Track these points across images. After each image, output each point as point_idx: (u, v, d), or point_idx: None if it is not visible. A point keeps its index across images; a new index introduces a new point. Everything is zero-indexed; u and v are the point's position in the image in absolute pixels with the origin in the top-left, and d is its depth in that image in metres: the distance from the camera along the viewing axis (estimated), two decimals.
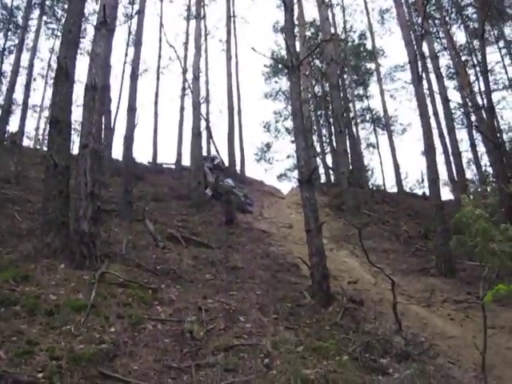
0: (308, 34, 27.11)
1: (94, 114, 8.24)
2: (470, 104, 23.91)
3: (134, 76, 13.57)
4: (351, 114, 30.16)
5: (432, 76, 20.79)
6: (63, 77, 8.70)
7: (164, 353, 5.54)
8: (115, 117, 21.14)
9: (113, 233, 10.62)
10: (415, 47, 14.36)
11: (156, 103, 23.57)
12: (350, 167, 25.88)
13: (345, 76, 27.96)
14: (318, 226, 8.33)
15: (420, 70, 13.95)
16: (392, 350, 6.18)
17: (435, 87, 19.99)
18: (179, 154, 22.62)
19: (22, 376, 4.51)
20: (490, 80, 22.79)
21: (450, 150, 18.62)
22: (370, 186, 27.10)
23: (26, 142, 21.64)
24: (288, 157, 33.84)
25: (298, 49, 28.77)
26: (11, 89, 20.27)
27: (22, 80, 22.02)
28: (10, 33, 23.06)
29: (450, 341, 7.43)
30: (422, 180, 27.17)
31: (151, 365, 5.21)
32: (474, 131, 22.24)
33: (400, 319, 7.11)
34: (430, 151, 12.68)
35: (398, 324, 6.91)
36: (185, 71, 22.52)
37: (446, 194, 35.42)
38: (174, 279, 8.22)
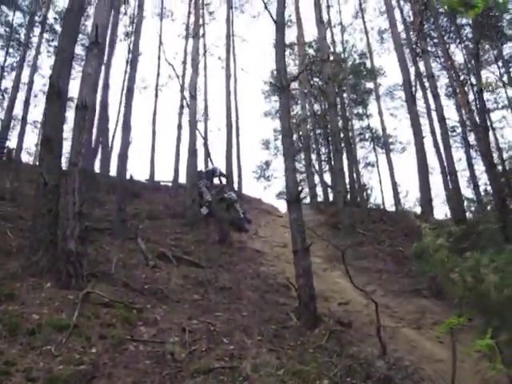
0: (311, 51, 27.36)
1: (84, 134, 8.29)
2: (468, 123, 24.08)
3: (130, 95, 13.62)
4: (350, 133, 30.32)
5: (430, 94, 20.87)
6: (55, 96, 8.76)
7: (143, 375, 5.51)
8: (113, 135, 21.30)
9: (104, 251, 10.63)
10: (409, 67, 14.46)
11: (154, 121, 23.69)
12: (348, 186, 25.98)
13: (344, 95, 28.09)
14: (305, 247, 8.31)
15: (414, 89, 14.03)
16: (375, 375, 6.13)
17: (433, 106, 20.12)
18: (176, 172, 22.68)
19: None
20: (488, 99, 23.02)
21: (446, 169, 18.64)
22: (369, 205, 27.07)
23: (25, 158, 21.74)
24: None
25: (296, 67, 29.23)
26: (11, 105, 20.47)
27: (22, 96, 22.14)
28: (11, 49, 23.35)
29: (437, 365, 7.36)
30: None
31: None
32: (470, 150, 22.34)
33: (385, 342, 7.07)
34: (423, 170, 12.72)
35: (382, 347, 6.86)
36: (183, 89, 22.65)
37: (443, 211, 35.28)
38: (160, 299, 8.19)
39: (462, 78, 25.00)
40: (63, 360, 5.42)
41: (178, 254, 11.44)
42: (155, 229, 14.01)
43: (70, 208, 7.89)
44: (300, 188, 8.86)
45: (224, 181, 19.82)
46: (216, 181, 19.35)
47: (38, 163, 9.07)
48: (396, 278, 12.95)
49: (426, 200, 12.59)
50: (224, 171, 20.82)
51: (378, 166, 30.08)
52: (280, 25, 9.50)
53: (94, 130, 21.44)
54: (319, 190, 28.24)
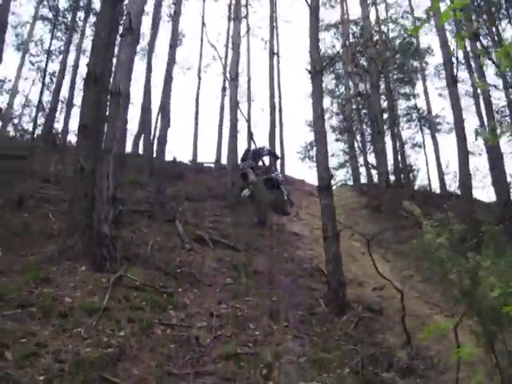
0: (355, 29, 26.95)
1: (118, 120, 8.46)
2: None
3: (169, 78, 13.76)
4: (396, 113, 29.79)
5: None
6: (92, 82, 8.96)
7: (167, 358, 5.66)
8: (156, 118, 21.48)
9: (142, 233, 10.85)
10: (451, 48, 14.08)
11: (197, 102, 23.83)
12: (393, 167, 25.61)
13: (390, 74, 27.60)
14: (335, 233, 8.31)
15: (456, 70, 13.66)
16: (397, 364, 6.13)
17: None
18: (219, 153, 22.83)
19: (22, 379, 4.71)
20: None
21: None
22: (414, 187, 26.64)
23: (72, 141, 22.18)
24: (332, 155, 33.76)
25: (338, 47, 28.85)
26: (58, 88, 20.93)
27: (68, 80, 22.52)
28: (58, 33, 23.79)
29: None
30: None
31: (152, 370, 5.33)
32: None
33: (410, 332, 7.02)
34: (462, 153, 12.46)
35: (406, 337, 6.82)
36: (225, 71, 22.65)
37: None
38: (192, 283, 8.34)
39: None
40: (91, 343, 5.60)
41: (214, 237, 11.54)
42: (195, 211, 14.13)
43: (104, 193, 8.09)
44: (331, 174, 8.78)
45: (275, 160, 19.19)
46: (265, 160, 18.88)
47: None
48: None
49: (464, 183, 12.34)
50: (275, 151, 20.17)
51: (424, 147, 29.48)
52: (314, 8, 9.40)
53: (139, 113, 21.86)
54: (363, 171, 27.91)
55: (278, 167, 22.50)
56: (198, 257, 9.95)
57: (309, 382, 5.23)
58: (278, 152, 20.88)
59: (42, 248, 8.48)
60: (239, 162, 16.62)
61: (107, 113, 8.77)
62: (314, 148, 8.83)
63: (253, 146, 18.66)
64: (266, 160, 19.31)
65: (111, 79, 9.08)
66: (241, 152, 17.00)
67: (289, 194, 16.86)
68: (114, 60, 9.27)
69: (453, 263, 3.97)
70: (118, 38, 9.60)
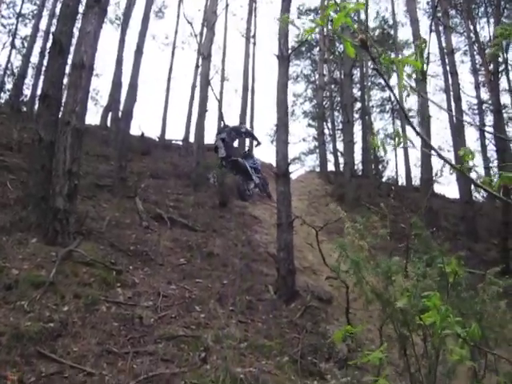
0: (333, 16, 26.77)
1: (79, 93, 8.33)
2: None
3: (139, 53, 13.60)
4: (371, 103, 30.01)
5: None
6: (56, 52, 8.81)
7: (109, 337, 5.66)
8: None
9: (100, 208, 10.77)
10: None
11: (169, 78, 23.60)
12: (361, 158, 25.84)
13: (368, 64, 27.70)
14: (289, 222, 8.37)
15: (426, 66, 13.74)
16: (337, 355, 6.24)
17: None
18: (187, 132, 22.68)
19: None
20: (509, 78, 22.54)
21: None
22: (382, 179, 26.93)
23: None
24: (303, 140, 33.90)
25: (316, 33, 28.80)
26: (28, 54, 20.51)
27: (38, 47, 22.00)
28: None
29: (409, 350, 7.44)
30: (436, 175, 26.82)
31: (92, 348, 5.33)
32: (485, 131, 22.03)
33: (354, 324, 7.11)
34: (425, 152, 12.60)
35: None
36: (200, 49, 22.46)
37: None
38: (144, 261, 8.32)
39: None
40: (33, 316, 5.56)
41: (173, 216, 11.50)
42: (157, 188, 14.08)
43: (60, 166, 8.00)
44: (289, 161, 8.81)
45: (255, 143, 18.98)
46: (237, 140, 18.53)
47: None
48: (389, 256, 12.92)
49: (425, 179, 12.53)
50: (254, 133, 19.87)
51: (395, 139, 29.65)
52: None
53: (109, 87, 21.55)
54: (332, 159, 28.05)
55: (246, 149, 22.41)
56: (154, 235, 9.91)
57: (246, 368, 5.28)
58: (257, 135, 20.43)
59: None
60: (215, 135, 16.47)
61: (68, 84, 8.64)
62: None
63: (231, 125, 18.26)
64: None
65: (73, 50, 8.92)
66: (209, 131, 16.96)
67: (264, 183, 16.68)
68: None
69: (368, 266, 4.06)
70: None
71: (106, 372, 4.91)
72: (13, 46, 22.60)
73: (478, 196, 24.16)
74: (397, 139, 2.47)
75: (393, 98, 29.26)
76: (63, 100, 8.72)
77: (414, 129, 2.44)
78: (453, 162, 2.49)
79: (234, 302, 7.38)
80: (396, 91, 3.36)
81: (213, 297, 7.39)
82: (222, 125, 19.27)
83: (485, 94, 23.67)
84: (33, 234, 7.77)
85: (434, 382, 3.23)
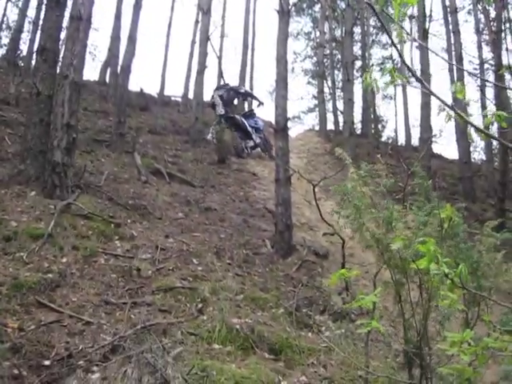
0: None
1: (77, 45, 8.25)
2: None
3: (138, 5, 13.37)
4: (372, 62, 29.65)
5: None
6: (54, 4, 8.67)
7: (107, 288, 5.75)
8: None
9: (99, 163, 10.77)
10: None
11: (168, 34, 23.23)
12: (361, 117, 25.69)
13: (370, 21, 27.36)
14: (286, 177, 8.40)
15: (428, 24, 13.62)
16: (332, 308, 6.34)
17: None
18: (186, 88, 22.49)
19: None
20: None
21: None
22: (381, 138, 26.87)
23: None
24: (303, 98, 33.73)
25: None
26: (24, 7, 20.11)
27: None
28: None
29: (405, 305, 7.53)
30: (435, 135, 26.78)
31: (90, 298, 5.42)
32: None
33: (349, 279, 7.20)
34: (425, 109, 12.57)
35: (345, 283, 6.99)
36: (199, 3, 22.06)
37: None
38: (143, 215, 8.36)
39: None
40: (32, 267, 5.63)
41: (172, 172, 11.53)
42: (156, 144, 14.04)
43: (58, 119, 7.97)
44: (287, 117, 8.79)
45: (256, 104, 18.75)
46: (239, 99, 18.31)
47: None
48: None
49: (424, 138, 12.51)
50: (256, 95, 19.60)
51: (395, 99, 29.53)
52: None
53: (108, 41, 21.24)
54: (331, 118, 27.88)
55: (247, 105, 22.28)
56: (152, 189, 9.94)
57: (241, 319, 5.37)
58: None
59: None
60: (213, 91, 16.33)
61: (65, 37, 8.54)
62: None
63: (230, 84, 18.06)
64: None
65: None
66: (208, 88, 16.78)
67: (266, 144, 16.53)
68: None
69: (370, 212, 4.09)
70: None
71: (104, 321, 5.00)
72: None
73: (477, 157, 24.22)
74: (391, 78, 2.45)
75: (394, 56, 29.05)
76: (61, 54, 8.64)
77: (411, 70, 2.41)
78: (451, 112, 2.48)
79: (231, 255, 7.47)
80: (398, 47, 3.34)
81: (210, 250, 7.47)
82: (222, 82, 19.05)
83: (487, 54, 23.31)
84: (31, 187, 7.78)
85: (426, 327, 3.29)
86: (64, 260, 6.05)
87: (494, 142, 18.50)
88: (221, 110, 15.38)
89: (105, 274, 6.01)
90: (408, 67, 2.56)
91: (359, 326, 2.43)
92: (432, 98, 13.38)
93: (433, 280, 2.59)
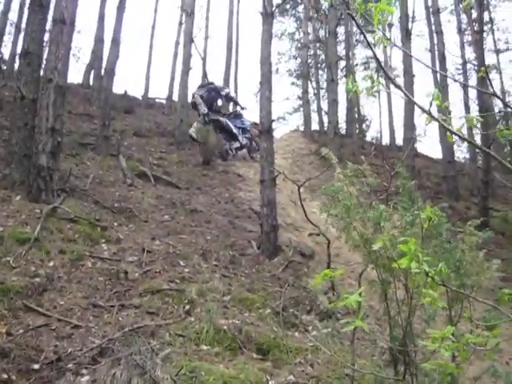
0: None
1: (61, 49, 8.25)
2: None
3: (121, 7, 13.36)
4: (355, 62, 29.80)
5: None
6: (37, 6, 8.67)
7: (95, 291, 5.77)
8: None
9: (84, 166, 10.77)
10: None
11: (152, 35, 23.12)
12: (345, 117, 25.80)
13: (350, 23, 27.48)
14: (271, 178, 8.46)
15: (411, 25, 13.77)
16: (318, 308, 6.41)
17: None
18: (171, 90, 22.47)
19: None
20: (499, 38, 22.57)
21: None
22: (365, 138, 27.03)
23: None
24: (287, 99, 33.80)
25: None
26: (6, 10, 19.98)
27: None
28: None
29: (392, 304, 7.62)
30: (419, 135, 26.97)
31: (78, 301, 5.44)
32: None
33: (335, 278, 7.27)
34: (408, 109, 12.69)
35: (331, 283, 7.06)
36: (183, 5, 22.07)
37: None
38: (129, 218, 8.38)
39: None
40: (19, 272, 5.65)
41: (157, 174, 11.56)
42: (141, 146, 14.06)
43: (43, 123, 7.98)
44: (272, 118, 8.86)
45: (238, 108, 18.66)
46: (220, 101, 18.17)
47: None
48: None
49: (407, 138, 12.64)
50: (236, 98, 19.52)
51: (379, 99, 29.67)
52: None
53: (92, 44, 21.17)
54: (316, 118, 27.96)
55: (230, 109, 22.24)
56: (138, 192, 9.95)
57: (229, 320, 5.43)
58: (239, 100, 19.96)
59: None
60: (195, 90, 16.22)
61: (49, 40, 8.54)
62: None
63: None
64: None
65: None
66: (193, 89, 16.57)
67: (252, 144, 16.47)
68: None
69: (357, 212, 4.15)
70: None
71: (92, 324, 5.04)
72: None
73: (461, 156, 24.45)
74: (372, 84, 2.52)
75: (378, 55, 29.14)
76: (44, 57, 8.64)
77: (389, 77, 2.49)
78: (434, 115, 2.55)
79: (217, 257, 7.51)
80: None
81: (197, 252, 7.50)
82: (206, 81, 18.90)
83: (470, 54, 23.61)
84: (17, 191, 7.80)
85: (411, 325, 3.36)
86: (51, 264, 6.06)
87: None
88: (204, 109, 15.26)
89: (92, 277, 6.04)
90: (386, 73, 2.63)
91: (345, 324, 2.47)
92: (416, 95, 13.55)
93: (414, 279, 2.65)
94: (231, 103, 19.71)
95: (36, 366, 4.09)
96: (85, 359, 4.29)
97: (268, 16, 9.04)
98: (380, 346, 5.49)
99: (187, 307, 5.61)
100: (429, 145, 52.13)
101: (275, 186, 8.67)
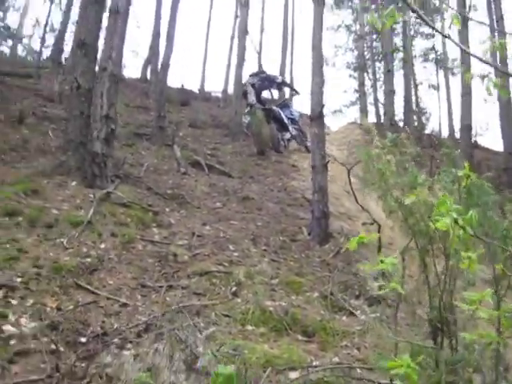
0: None
1: (115, 38, 8.43)
2: None
3: (175, 4, 13.52)
4: (414, 53, 29.16)
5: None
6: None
7: (144, 272, 5.85)
8: None
9: (139, 156, 10.98)
10: None
11: (208, 29, 23.40)
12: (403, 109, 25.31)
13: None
14: (322, 164, 8.37)
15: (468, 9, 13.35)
16: (368, 293, 6.29)
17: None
18: (226, 83, 22.64)
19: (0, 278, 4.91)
20: None
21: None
22: (427, 131, 26.46)
23: None
24: (345, 92, 33.41)
25: None
26: (68, 8, 20.53)
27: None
28: None
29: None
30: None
31: (127, 281, 5.53)
32: None
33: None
34: (465, 95, 12.32)
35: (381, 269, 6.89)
36: None
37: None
38: (181, 204, 8.48)
39: None
40: (72, 252, 5.77)
41: (211, 163, 11.66)
42: (196, 137, 14.22)
43: (97, 111, 8.16)
44: (323, 103, 8.75)
45: (293, 94, 18.51)
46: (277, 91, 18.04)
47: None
48: None
49: (464, 126, 12.26)
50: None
51: (438, 90, 29.00)
52: None
53: (150, 38, 21.53)
54: (373, 110, 27.55)
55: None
56: (191, 180, 10.06)
57: (275, 302, 5.39)
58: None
59: (37, 162, 8.62)
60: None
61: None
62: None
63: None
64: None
65: None
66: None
67: (301, 136, 16.10)
68: None
69: (395, 179, 4.03)
70: None
71: (139, 303, 5.10)
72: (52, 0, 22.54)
73: None
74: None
75: (437, 47, 28.52)
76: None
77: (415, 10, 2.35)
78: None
79: (267, 242, 7.50)
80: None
81: (247, 237, 7.51)
82: (257, 70, 18.70)
83: None
84: (72, 177, 8.00)
85: (450, 294, 3.25)
86: (102, 246, 6.18)
87: None
88: (252, 100, 15.22)
89: (142, 259, 6.12)
90: (411, 7, 2.52)
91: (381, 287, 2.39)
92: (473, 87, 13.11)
93: (452, 242, 2.54)
94: (283, 91, 19.36)
95: (83, 339, 4.16)
96: (130, 334, 4.35)
97: (319, 3, 8.97)
98: (419, 316, 5.33)
99: (234, 289, 5.59)
100: (491, 140, 50.30)
101: (327, 171, 8.57)
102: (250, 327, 4.92)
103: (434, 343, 3.24)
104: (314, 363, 4.41)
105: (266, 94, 17.68)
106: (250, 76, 15.99)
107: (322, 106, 8.69)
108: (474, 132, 22.35)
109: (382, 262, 2.34)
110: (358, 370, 4.25)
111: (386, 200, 4.08)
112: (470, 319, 3.03)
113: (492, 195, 3.76)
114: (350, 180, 8.36)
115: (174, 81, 27.75)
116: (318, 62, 8.76)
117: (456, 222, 1.95)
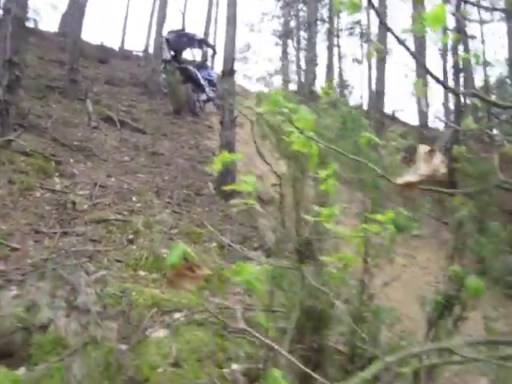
0: None
1: None
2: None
3: None
4: (340, 25, 29.48)
5: None
6: None
7: (39, 219, 5.73)
8: None
9: (49, 108, 10.64)
10: None
11: None
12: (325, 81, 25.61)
13: None
14: (231, 119, 8.40)
15: None
16: (266, 245, 6.43)
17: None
18: (147, 42, 22.23)
19: None
20: None
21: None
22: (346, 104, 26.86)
23: None
24: (269, 60, 33.48)
25: None
26: None
27: None
28: None
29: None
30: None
31: (20, 227, 5.39)
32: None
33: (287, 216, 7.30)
34: (381, 64, 12.63)
35: (281, 220, 7.05)
36: None
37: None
38: (87, 156, 8.31)
39: None
40: None
41: (124, 120, 11.47)
42: (112, 94, 13.91)
43: (0, 55, 7.81)
44: (234, 59, 8.74)
45: (210, 52, 18.17)
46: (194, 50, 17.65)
47: None
48: None
49: (377, 91, 12.60)
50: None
51: (361, 64, 29.45)
52: None
53: None
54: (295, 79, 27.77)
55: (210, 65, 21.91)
56: (101, 135, 9.88)
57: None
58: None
59: None
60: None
61: None
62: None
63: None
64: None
65: None
66: None
67: (216, 97, 15.74)
68: None
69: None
70: None
71: (31, 248, 5.00)
72: None
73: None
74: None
75: (363, 21, 28.81)
76: None
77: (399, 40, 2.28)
78: None
79: (171, 195, 7.49)
80: None
81: (151, 190, 7.47)
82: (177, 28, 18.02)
83: None
84: None
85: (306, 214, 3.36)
86: None
87: None
88: (166, 56, 14.80)
89: (38, 206, 6.00)
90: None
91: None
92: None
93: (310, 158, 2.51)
94: (202, 49, 18.90)
95: None
96: (16, 277, 4.28)
97: None
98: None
99: (131, 236, 5.58)
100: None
101: (235, 127, 8.61)
102: (142, 272, 4.93)
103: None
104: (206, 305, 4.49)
105: (188, 54, 17.35)
106: (168, 33, 15.53)
107: (233, 60, 8.67)
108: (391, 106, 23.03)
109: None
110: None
111: (258, 124, 4.05)
112: (336, 246, 3.20)
113: (367, 130, 3.85)
114: (253, 134, 8.39)
115: (93, 38, 26.84)
116: (232, 17, 8.69)
117: (301, 132, 2.01)
